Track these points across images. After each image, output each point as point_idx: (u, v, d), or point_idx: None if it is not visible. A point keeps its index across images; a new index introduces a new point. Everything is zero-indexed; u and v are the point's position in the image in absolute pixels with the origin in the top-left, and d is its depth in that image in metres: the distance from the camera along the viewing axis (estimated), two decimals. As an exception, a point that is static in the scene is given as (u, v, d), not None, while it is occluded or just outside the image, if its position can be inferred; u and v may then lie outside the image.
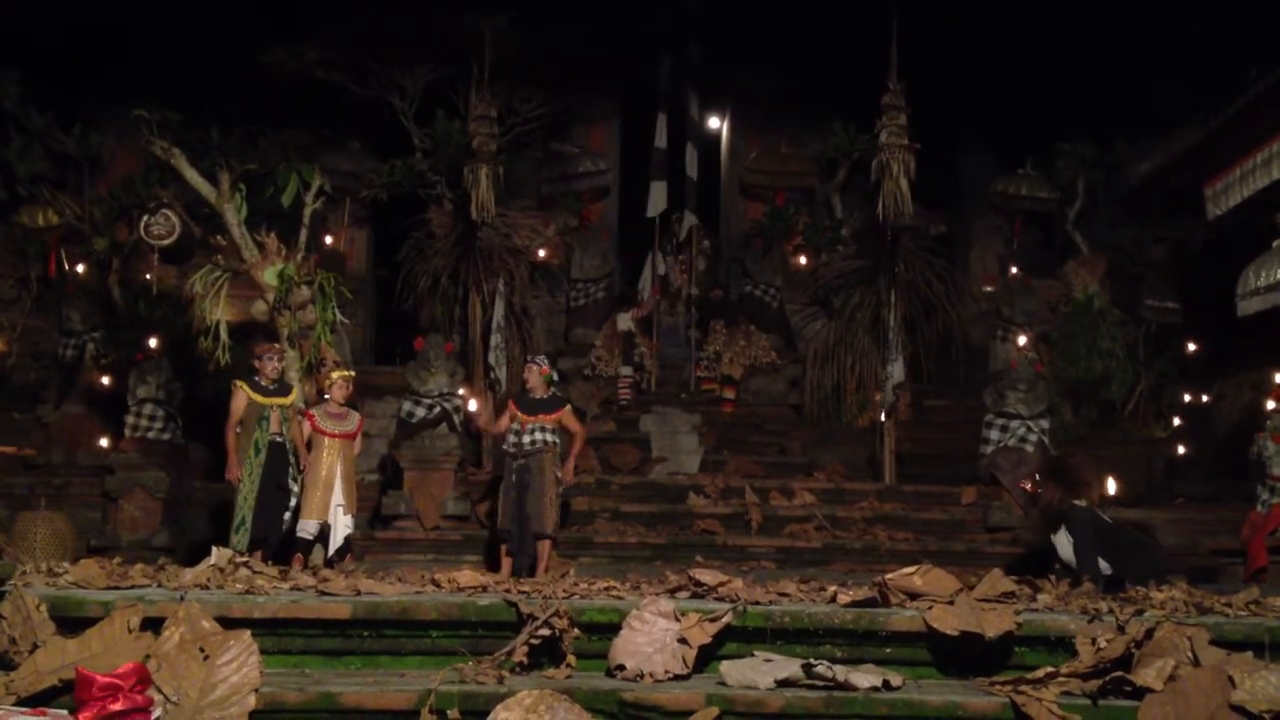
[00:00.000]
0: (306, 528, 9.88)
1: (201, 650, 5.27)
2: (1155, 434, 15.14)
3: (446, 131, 15.79)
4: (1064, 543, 8.94)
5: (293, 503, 10.06)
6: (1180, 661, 5.37)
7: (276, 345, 10.33)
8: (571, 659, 5.59)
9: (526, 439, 10.32)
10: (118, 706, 4.92)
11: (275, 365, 10.18)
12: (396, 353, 15.17)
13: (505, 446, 10.55)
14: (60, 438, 14.16)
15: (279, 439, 10.01)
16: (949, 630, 5.61)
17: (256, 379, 10.12)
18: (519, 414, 10.43)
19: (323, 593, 5.98)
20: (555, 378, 10.94)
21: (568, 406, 10.64)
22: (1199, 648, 5.46)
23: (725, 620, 5.68)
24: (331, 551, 9.94)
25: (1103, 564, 8.75)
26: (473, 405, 13.48)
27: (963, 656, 5.69)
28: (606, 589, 6.37)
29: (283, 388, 10.18)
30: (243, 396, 9.99)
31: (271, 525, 9.93)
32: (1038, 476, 9.43)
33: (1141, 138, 14.86)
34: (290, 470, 10.04)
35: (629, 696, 5.23)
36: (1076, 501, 9.15)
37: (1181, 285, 15.69)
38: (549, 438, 10.34)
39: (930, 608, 5.76)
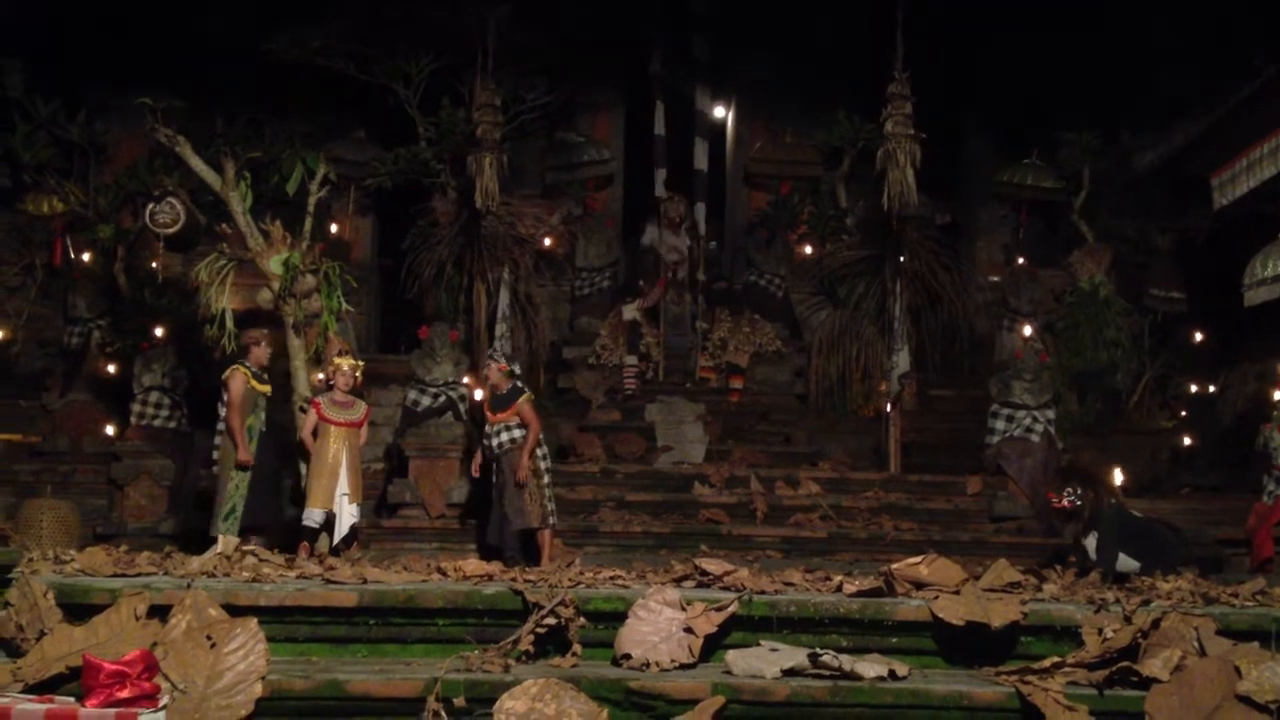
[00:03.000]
0: (312, 516, 9.91)
1: (208, 638, 5.28)
2: (1161, 424, 15.12)
3: (451, 120, 15.74)
4: (1094, 545, 8.90)
5: (287, 483, 10.19)
6: (1187, 652, 5.37)
7: (267, 331, 10.38)
8: (577, 648, 5.60)
9: (494, 441, 10.42)
10: (125, 694, 4.92)
11: (268, 353, 10.27)
12: (401, 341, 15.17)
13: (483, 449, 10.65)
14: (66, 425, 14.18)
15: (264, 429, 10.10)
16: (955, 620, 5.60)
17: (248, 364, 10.15)
18: (488, 414, 10.54)
19: (329, 581, 5.99)
20: (516, 370, 10.95)
21: (523, 397, 10.60)
22: (1205, 638, 5.46)
23: (731, 609, 5.68)
24: (337, 540, 9.97)
25: (1131, 561, 8.71)
26: (479, 394, 13.49)
27: (968, 646, 5.69)
28: (612, 578, 6.37)
29: (264, 376, 10.27)
30: (243, 380, 10.04)
31: (263, 512, 10.00)
32: (1077, 490, 9.20)
33: (1147, 126, 14.80)
34: (272, 455, 10.20)
35: (635, 685, 5.23)
36: (1110, 500, 9.13)
37: (1187, 275, 15.65)
38: (515, 435, 10.38)
39: (936, 597, 5.76)
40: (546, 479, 10.54)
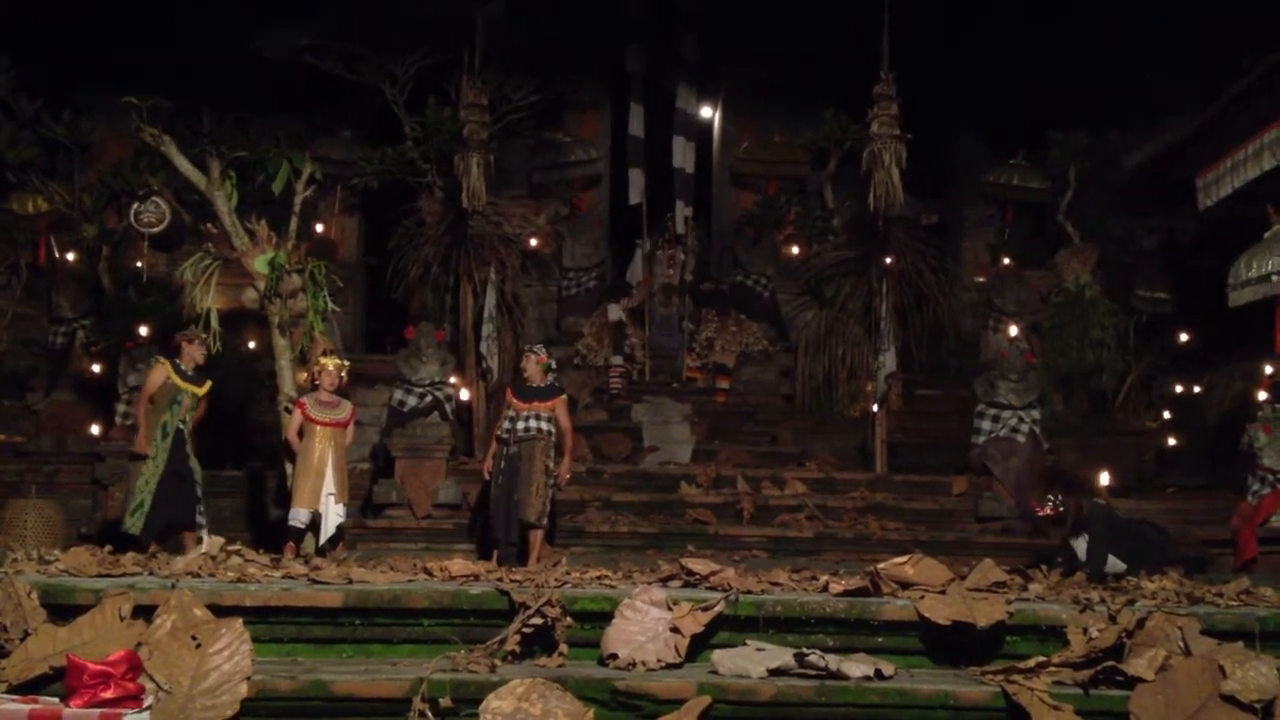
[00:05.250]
0: (298, 516, 9.89)
1: (193, 638, 5.26)
2: (1146, 424, 15.17)
3: (438, 119, 15.74)
4: (1083, 546, 8.89)
5: (199, 491, 10.19)
6: (1171, 651, 5.37)
7: (203, 334, 10.35)
8: (564, 648, 5.58)
9: (520, 425, 10.37)
10: (109, 694, 4.90)
11: (201, 352, 10.24)
12: (388, 341, 15.16)
13: (499, 433, 10.59)
14: (50, 425, 14.14)
15: (182, 426, 10.06)
16: (941, 619, 5.60)
17: (177, 361, 10.13)
18: (515, 401, 10.50)
19: (314, 581, 5.97)
20: (553, 366, 10.99)
21: (563, 396, 10.67)
22: (1190, 637, 5.47)
23: (717, 609, 5.68)
24: (323, 540, 9.95)
25: (1118, 562, 8.72)
26: (464, 394, 13.47)
27: (954, 646, 5.69)
28: (599, 578, 6.36)
29: (199, 377, 10.22)
30: (163, 372, 10.04)
31: (172, 510, 9.98)
32: (1057, 496, 9.22)
33: (1134, 127, 14.86)
34: (189, 458, 10.12)
35: (621, 685, 5.22)
36: (1097, 500, 9.13)
37: (1173, 276, 15.71)
38: (543, 425, 10.38)
39: (922, 597, 5.76)
40: (552, 480, 10.54)
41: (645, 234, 16.55)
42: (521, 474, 10.25)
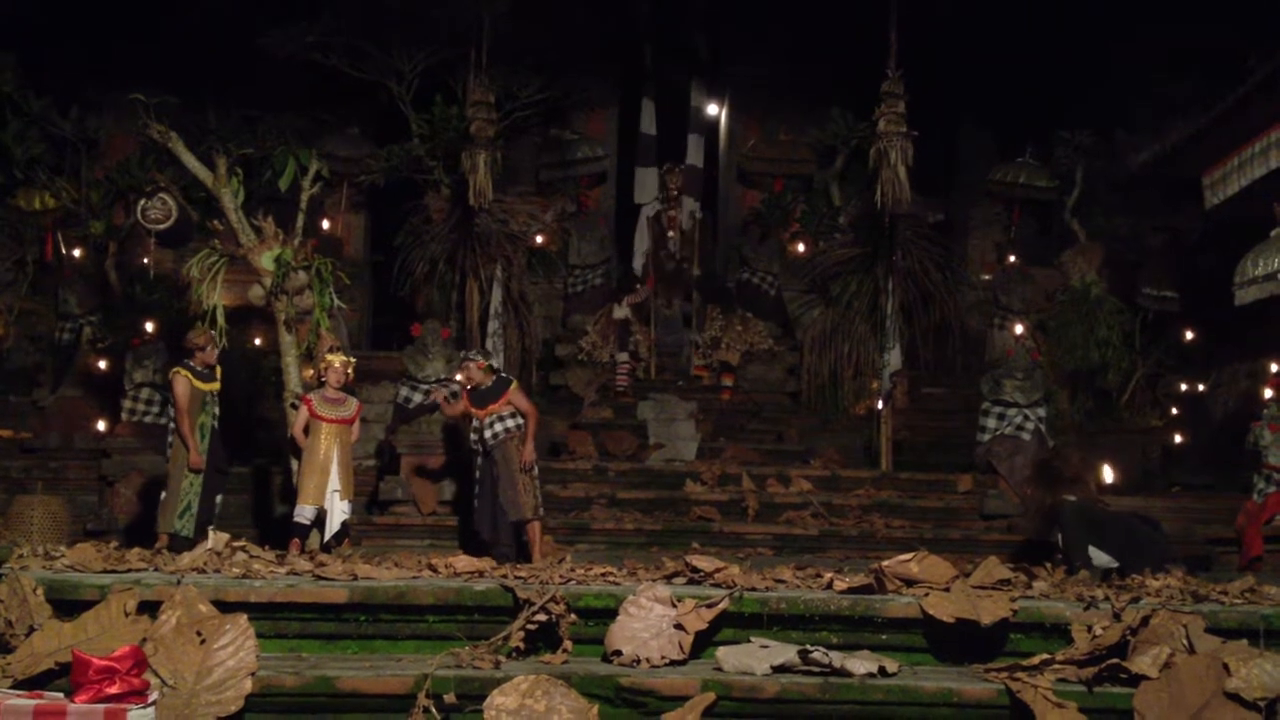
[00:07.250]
0: (303, 513, 9.89)
1: (198, 634, 5.28)
2: (1152, 422, 15.16)
3: (444, 116, 15.75)
4: (1060, 540, 8.91)
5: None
6: (1175, 649, 5.38)
7: (211, 332, 10.36)
8: (568, 644, 5.60)
9: (488, 433, 10.30)
10: (114, 689, 4.92)
11: (215, 352, 10.27)
12: (394, 338, 15.17)
13: (471, 445, 10.55)
14: (57, 421, 14.15)
15: (215, 424, 10.12)
16: (945, 617, 5.61)
17: (192, 364, 10.15)
18: (474, 410, 10.43)
19: (319, 577, 5.98)
20: (495, 365, 10.83)
21: (513, 385, 10.53)
22: (1194, 635, 5.47)
23: (722, 606, 5.69)
24: (328, 536, 9.94)
25: (1106, 556, 8.70)
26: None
27: (958, 643, 5.70)
28: (603, 575, 6.37)
29: (212, 374, 10.26)
30: (186, 383, 10.04)
31: (212, 506, 10.10)
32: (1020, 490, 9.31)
33: (1140, 126, 14.83)
34: (222, 452, 10.23)
35: (625, 681, 5.23)
36: (1067, 497, 9.11)
37: (1179, 274, 15.68)
38: (509, 424, 10.30)
39: (926, 594, 5.77)
40: (535, 470, 10.51)
41: (645, 228, 16.56)
42: (503, 478, 10.20)
